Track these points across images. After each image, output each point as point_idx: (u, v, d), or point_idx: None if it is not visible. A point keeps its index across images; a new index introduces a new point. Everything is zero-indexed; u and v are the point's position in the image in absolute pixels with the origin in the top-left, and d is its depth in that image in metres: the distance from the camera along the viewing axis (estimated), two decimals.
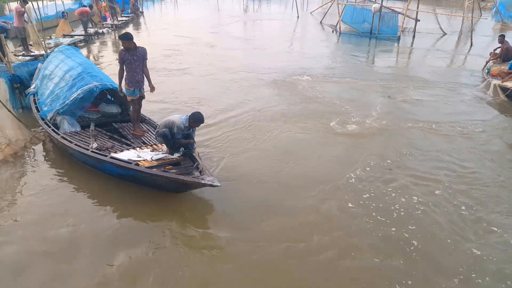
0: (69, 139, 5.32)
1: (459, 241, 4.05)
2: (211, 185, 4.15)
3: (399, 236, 4.09)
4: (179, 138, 4.97)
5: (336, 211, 4.53)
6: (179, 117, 4.98)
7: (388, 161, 5.75)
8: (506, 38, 10.39)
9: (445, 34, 18.25)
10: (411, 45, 16.08)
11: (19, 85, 7.57)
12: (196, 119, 4.94)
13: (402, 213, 4.48)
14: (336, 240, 4.04)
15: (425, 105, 8.39)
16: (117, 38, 16.96)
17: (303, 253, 3.84)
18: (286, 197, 4.77)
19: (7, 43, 9.96)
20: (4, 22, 10.53)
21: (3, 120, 5.82)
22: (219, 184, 4.18)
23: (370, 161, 5.70)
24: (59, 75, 6.51)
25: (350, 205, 4.63)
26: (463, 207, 4.63)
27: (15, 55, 11.09)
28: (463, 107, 8.40)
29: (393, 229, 4.19)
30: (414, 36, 17.31)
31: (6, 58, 7.90)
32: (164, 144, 5.14)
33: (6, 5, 26.15)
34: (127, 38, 5.44)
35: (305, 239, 4.02)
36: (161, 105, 8.02)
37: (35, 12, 14.09)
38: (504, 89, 8.74)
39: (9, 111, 6.04)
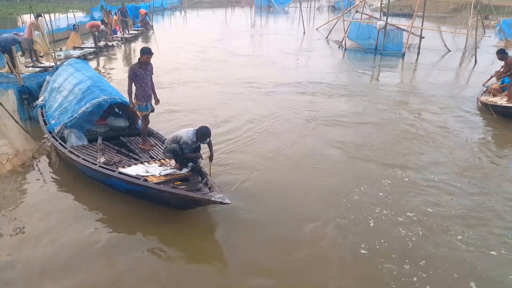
0: (76, 153, 5.32)
1: None
2: (221, 203, 4.08)
3: None
4: (187, 153, 4.97)
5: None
6: (186, 132, 4.98)
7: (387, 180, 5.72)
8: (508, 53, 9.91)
9: (449, 51, 18.33)
10: (416, 61, 16.15)
11: (28, 96, 7.68)
12: (203, 133, 4.94)
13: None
14: None
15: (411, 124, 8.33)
16: (126, 51, 17.21)
17: None
18: (301, 227, 4.51)
19: (18, 54, 10.15)
20: (16, 34, 10.73)
21: (11, 131, 5.85)
22: (230, 202, 4.10)
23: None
24: (68, 88, 6.57)
25: (363, 247, 4.31)
26: None
27: (25, 66, 11.29)
28: (452, 123, 8.29)
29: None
30: (418, 53, 17.38)
31: (16, 69, 8.04)
32: (172, 159, 5.15)
33: (19, 17, 26.83)
34: (150, 53, 5.50)
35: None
36: (170, 115, 8.11)
37: (47, 24, 14.41)
38: (491, 106, 8.67)
39: (17, 122, 6.09)
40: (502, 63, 9.07)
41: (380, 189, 5.42)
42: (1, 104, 5.78)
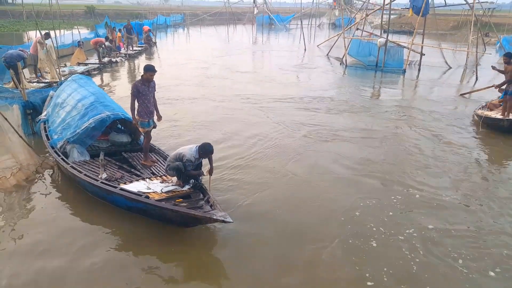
0: (78, 168, 5.30)
1: None
2: (223, 221, 4.04)
3: None
4: (190, 170, 4.95)
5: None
6: (188, 149, 4.97)
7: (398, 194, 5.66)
8: None
9: (450, 68, 18.48)
10: (417, 78, 16.27)
11: (32, 111, 7.74)
12: (205, 150, 4.93)
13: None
14: None
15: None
16: (130, 67, 17.41)
17: None
18: (305, 245, 4.44)
19: (23, 70, 10.28)
20: (22, 50, 10.89)
21: (15, 145, 5.89)
22: (231, 220, 4.07)
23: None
24: (71, 103, 6.61)
25: (367, 274, 4.20)
26: None
27: (29, 81, 11.41)
28: (454, 139, 8.27)
29: None
30: (419, 70, 17.54)
31: (21, 85, 8.13)
32: (174, 176, 5.12)
33: (25, 34, 27.31)
34: (153, 70, 5.57)
35: None
36: (173, 131, 8.14)
37: (52, 41, 14.64)
38: (484, 119, 8.83)
39: (21, 136, 6.10)
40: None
41: (384, 207, 5.35)
42: (6, 119, 5.83)
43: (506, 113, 8.76)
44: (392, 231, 4.75)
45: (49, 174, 5.98)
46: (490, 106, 9.66)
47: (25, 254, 4.13)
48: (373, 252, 4.36)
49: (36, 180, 5.77)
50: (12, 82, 9.62)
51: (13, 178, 5.48)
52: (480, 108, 9.84)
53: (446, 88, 14.09)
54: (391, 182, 6.13)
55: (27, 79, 11.34)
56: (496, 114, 9.07)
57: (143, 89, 5.64)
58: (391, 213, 5.17)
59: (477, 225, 4.98)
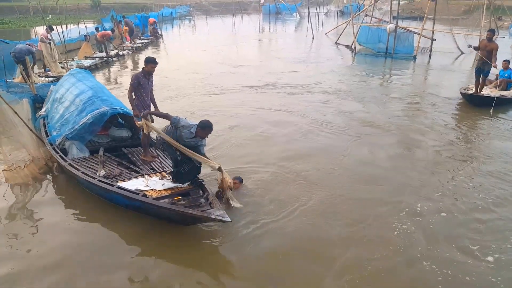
0: (76, 166, 5.18)
1: None
2: (221, 220, 3.88)
3: None
4: (185, 140, 4.62)
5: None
6: (188, 122, 4.69)
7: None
8: None
9: (462, 53, 17.86)
10: (428, 64, 15.76)
11: (41, 104, 7.79)
12: (203, 125, 4.56)
13: None
14: None
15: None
16: (136, 60, 17.26)
17: None
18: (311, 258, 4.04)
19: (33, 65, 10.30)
20: (29, 45, 10.82)
21: (25, 139, 5.90)
22: (230, 220, 3.91)
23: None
24: (69, 99, 6.48)
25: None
26: None
27: (39, 76, 11.40)
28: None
29: None
30: (430, 55, 17.01)
31: (30, 79, 8.11)
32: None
33: (33, 29, 27.38)
34: (154, 62, 5.39)
35: None
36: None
37: (59, 35, 14.60)
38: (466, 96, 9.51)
39: (31, 130, 6.11)
40: None
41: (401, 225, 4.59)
42: (16, 113, 5.81)
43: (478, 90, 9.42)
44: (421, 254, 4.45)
45: (56, 169, 5.89)
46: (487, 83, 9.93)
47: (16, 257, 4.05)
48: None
49: (48, 172, 5.77)
50: (21, 77, 9.65)
51: (27, 170, 5.50)
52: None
53: (459, 74, 13.60)
54: (417, 195, 5.70)
55: (36, 73, 11.34)
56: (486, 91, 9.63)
57: (144, 81, 5.52)
58: (413, 232, 4.62)
59: None
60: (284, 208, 4.83)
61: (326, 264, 3.91)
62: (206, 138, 4.80)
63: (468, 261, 3.97)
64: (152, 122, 5.81)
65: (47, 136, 6.16)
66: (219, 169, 4.56)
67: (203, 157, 4.71)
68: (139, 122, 5.38)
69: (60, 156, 5.48)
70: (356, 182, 5.62)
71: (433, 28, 17.28)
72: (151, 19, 25.68)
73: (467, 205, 5.00)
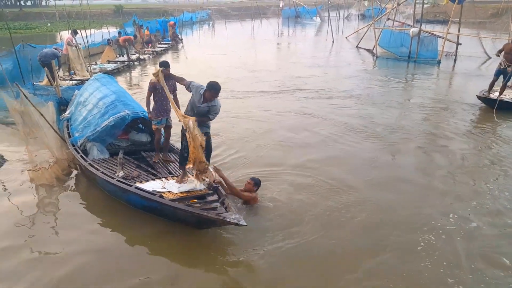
0: (96, 166, 5.26)
1: None
2: (236, 224, 3.84)
3: None
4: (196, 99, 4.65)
5: None
6: (199, 85, 4.74)
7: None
8: None
9: (489, 58, 17.25)
10: (453, 69, 15.30)
11: (65, 107, 7.99)
12: (210, 87, 4.54)
13: None
14: None
15: None
16: (156, 64, 17.53)
17: None
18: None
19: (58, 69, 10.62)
20: (56, 49, 11.15)
21: (50, 140, 6.05)
22: (245, 224, 3.86)
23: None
24: (93, 102, 6.62)
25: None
26: None
27: (63, 79, 11.75)
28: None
29: None
30: (455, 60, 16.52)
31: (55, 82, 8.33)
32: (189, 176, 4.95)
33: (58, 34, 28.35)
34: (166, 65, 5.38)
35: None
36: None
37: (83, 40, 15.03)
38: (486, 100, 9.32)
39: (56, 132, 6.27)
40: None
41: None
42: (42, 115, 5.96)
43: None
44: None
45: (73, 173, 6.00)
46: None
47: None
48: None
49: (71, 174, 5.89)
50: (46, 80, 9.95)
51: (51, 170, 5.63)
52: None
53: (485, 80, 13.11)
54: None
55: (61, 77, 11.67)
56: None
57: (159, 85, 5.51)
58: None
59: None
60: (304, 215, 4.74)
61: (348, 274, 3.80)
62: (220, 108, 4.74)
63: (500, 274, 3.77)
64: (170, 126, 5.82)
65: (70, 137, 6.30)
66: (192, 124, 4.38)
67: (178, 110, 4.78)
68: (153, 73, 5.28)
69: (81, 156, 5.59)
70: (385, 190, 5.46)
71: (459, 32, 16.79)
72: (171, 22, 26.17)
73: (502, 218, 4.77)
